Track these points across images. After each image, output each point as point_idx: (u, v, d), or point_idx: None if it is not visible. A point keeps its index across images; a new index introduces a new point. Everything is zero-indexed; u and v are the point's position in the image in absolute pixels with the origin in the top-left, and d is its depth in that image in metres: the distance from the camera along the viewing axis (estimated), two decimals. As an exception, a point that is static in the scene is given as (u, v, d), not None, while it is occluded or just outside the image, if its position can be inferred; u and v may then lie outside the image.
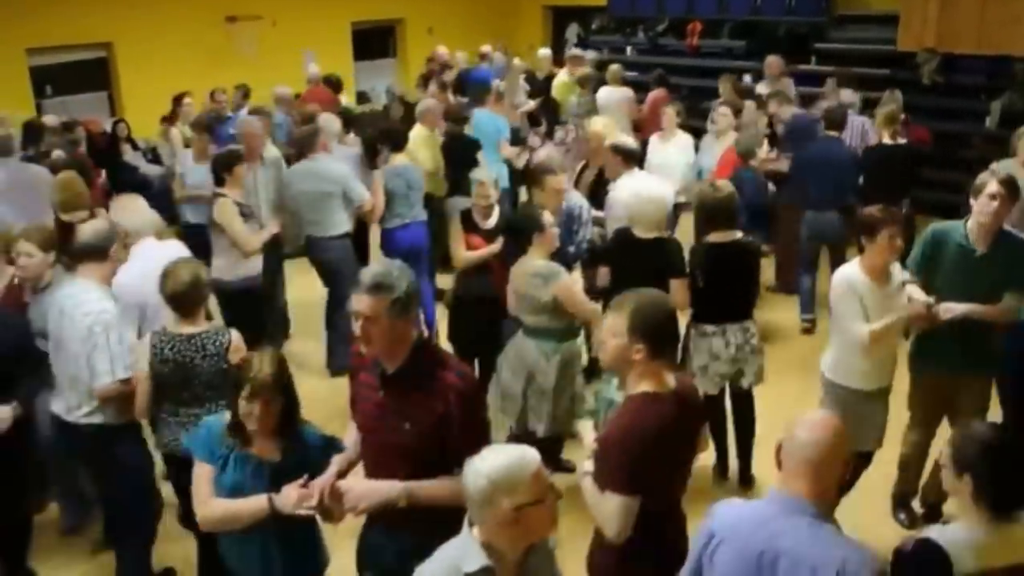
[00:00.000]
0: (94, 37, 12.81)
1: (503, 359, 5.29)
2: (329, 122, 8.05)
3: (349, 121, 9.24)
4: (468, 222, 6.00)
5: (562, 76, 11.74)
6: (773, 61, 10.75)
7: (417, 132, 8.27)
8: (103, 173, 9.50)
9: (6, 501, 4.55)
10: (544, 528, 2.54)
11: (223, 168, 6.36)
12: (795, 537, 2.49)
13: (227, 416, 3.41)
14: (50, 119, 10.03)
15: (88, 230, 4.42)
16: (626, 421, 3.04)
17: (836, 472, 2.56)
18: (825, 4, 12.97)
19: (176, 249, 5.03)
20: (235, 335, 4.22)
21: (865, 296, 4.52)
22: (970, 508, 2.80)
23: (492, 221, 6.00)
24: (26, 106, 11.56)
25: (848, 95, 9.07)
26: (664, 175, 7.23)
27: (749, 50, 13.36)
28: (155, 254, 4.79)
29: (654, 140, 8.51)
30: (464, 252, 5.93)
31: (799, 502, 2.53)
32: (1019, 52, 10.48)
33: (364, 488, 3.12)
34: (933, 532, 2.83)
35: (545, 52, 13.15)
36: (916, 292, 4.65)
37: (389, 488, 3.07)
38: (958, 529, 2.80)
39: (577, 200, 6.09)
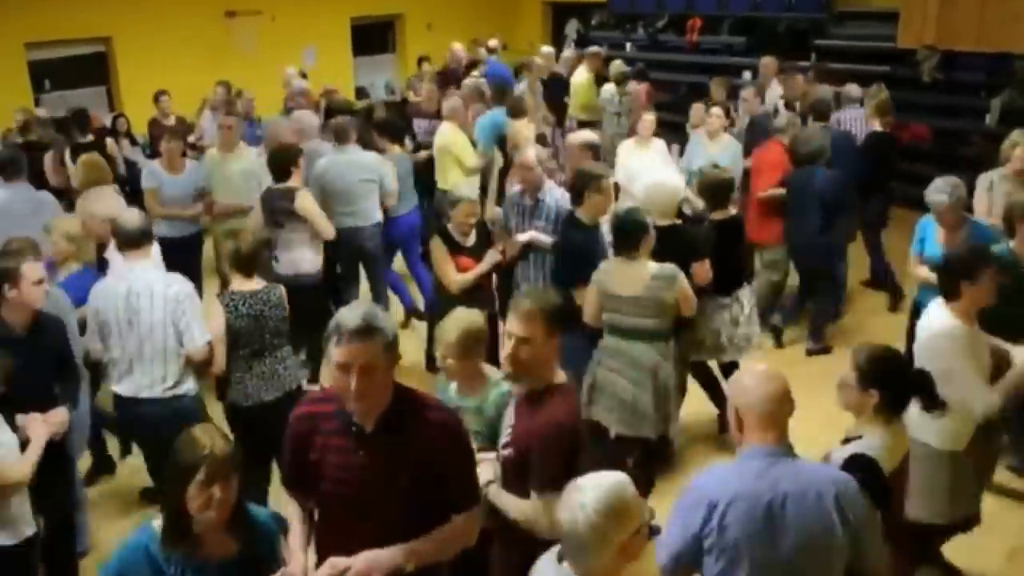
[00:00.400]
0: (93, 31, 12.78)
1: (602, 372, 5.04)
2: (308, 118, 8.08)
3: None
4: (450, 243, 5.74)
5: (582, 73, 11.44)
6: (768, 62, 10.55)
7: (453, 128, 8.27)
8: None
9: (55, 505, 4.38)
10: (640, 552, 2.43)
11: (289, 163, 6.34)
12: (791, 478, 2.72)
13: (155, 526, 2.78)
14: (42, 112, 10.01)
15: (132, 219, 4.73)
16: (558, 418, 3.13)
17: (789, 412, 2.84)
18: (825, 0, 13.00)
19: (146, 270, 4.79)
20: (282, 289, 4.91)
21: (966, 348, 3.97)
22: (874, 419, 3.32)
23: (472, 238, 5.80)
24: (24, 100, 11.53)
25: (854, 89, 9.05)
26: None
27: (749, 46, 13.35)
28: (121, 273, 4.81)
29: (628, 144, 8.23)
30: (457, 275, 5.68)
31: (775, 449, 2.78)
32: (1019, 49, 10.51)
33: (365, 562, 2.70)
34: (850, 448, 3.25)
35: (548, 50, 13.09)
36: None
37: (392, 555, 2.73)
38: (871, 439, 3.27)
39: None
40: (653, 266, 4.90)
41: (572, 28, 17.29)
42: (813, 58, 12.62)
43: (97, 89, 13.25)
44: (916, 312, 5.43)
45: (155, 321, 4.51)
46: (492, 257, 5.74)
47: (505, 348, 3.25)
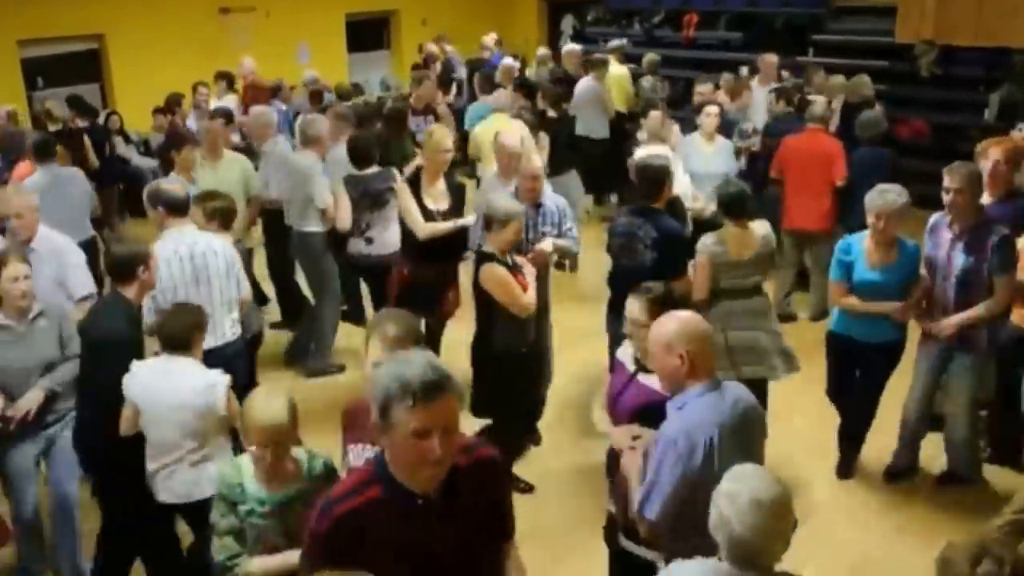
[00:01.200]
0: (86, 29, 12.78)
1: (737, 334, 5.20)
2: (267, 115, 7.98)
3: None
4: (506, 265, 5.06)
5: (618, 67, 11.18)
6: (768, 59, 10.51)
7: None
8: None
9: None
10: None
11: (369, 149, 6.64)
12: (739, 395, 3.20)
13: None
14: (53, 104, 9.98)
15: (177, 189, 5.31)
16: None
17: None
18: (823, -5, 12.94)
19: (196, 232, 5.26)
20: None
21: None
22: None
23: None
24: (17, 98, 11.50)
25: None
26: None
27: (746, 42, 13.28)
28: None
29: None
30: (527, 298, 5.05)
31: (711, 383, 3.13)
32: (1017, 44, 10.47)
33: None
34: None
35: (544, 52, 13.09)
36: None
37: None
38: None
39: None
40: (757, 227, 5.30)
41: (568, 24, 17.30)
42: (811, 53, 12.60)
43: (90, 86, 13.19)
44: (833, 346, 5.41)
45: (221, 274, 5.06)
46: (533, 272, 5.22)
47: None
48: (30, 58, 12.41)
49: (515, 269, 5.07)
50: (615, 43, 11.96)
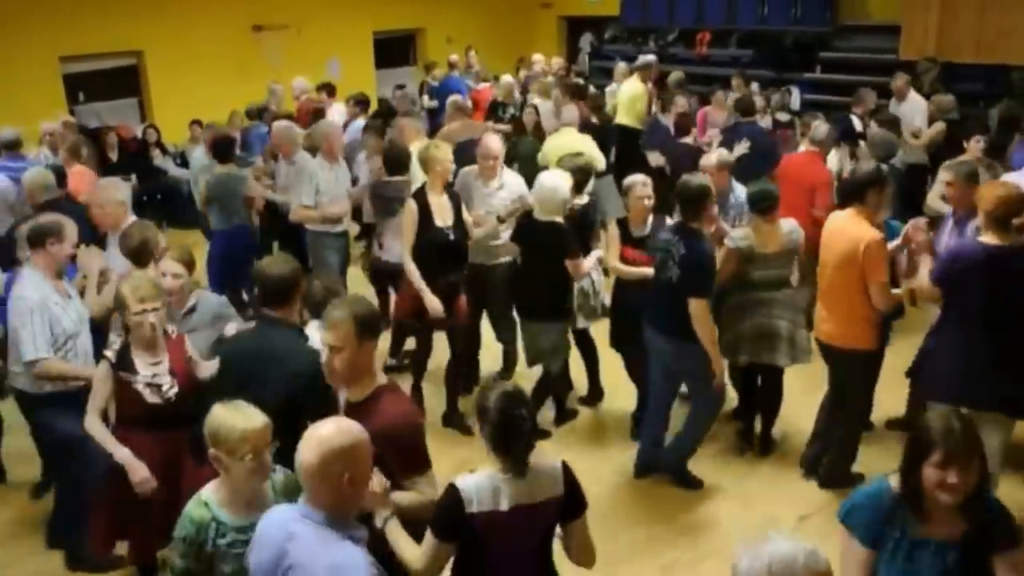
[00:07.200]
0: (125, 45, 13.22)
1: (764, 320, 5.64)
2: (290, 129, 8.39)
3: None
4: (624, 231, 5.95)
5: (636, 84, 11.45)
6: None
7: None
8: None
9: None
10: None
11: (405, 160, 7.01)
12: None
13: (893, 482, 2.92)
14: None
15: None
16: (391, 420, 3.25)
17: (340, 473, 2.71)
18: (829, 14, 13.33)
19: None
20: None
21: None
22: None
23: (648, 227, 5.96)
24: (59, 112, 11.96)
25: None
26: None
27: (756, 59, 13.71)
28: None
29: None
30: (619, 263, 5.90)
31: None
32: (1016, 61, 10.81)
33: None
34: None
35: (557, 61, 13.58)
36: None
37: None
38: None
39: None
40: (784, 223, 5.68)
41: (586, 41, 17.63)
42: (818, 70, 12.99)
43: (129, 100, 13.71)
44: None
45: None
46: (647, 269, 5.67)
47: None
48: (72, 73, 12.85)
49: (634, 240, 5.90)
50: (644, 60, 12.00)
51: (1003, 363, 4.47)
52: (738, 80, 11.46)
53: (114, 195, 5.66)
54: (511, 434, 2.99)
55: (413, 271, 5.97)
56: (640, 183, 5.90)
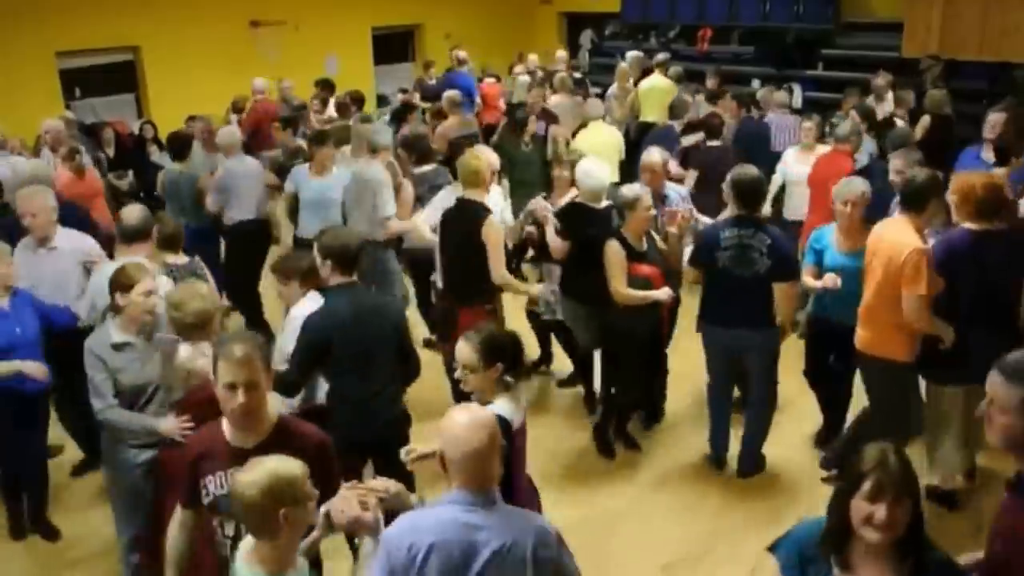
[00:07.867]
0: (122, 41, 13.17)
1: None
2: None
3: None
4: (628, 249, 5.54)
5: (662, 79, 11.45)
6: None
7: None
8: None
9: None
10: None
11: (428, 148, 7.46)
12: (489, 529, 2.70)
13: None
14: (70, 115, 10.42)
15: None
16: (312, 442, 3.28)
17: (492, 459, 2.79)
18: (832, 11, 13.27)
19: None
20: None
21: None
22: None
23: (645, 243, 5.69)
24: (56, 107, 11.90)
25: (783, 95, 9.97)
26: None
27: (758, 56, 13.65)
28: None
29: (794, 151, 8.28)
30: (626, 288, 5.51)
31: (475, 498, 2.73)
32: (1019, 59, 10.80)
33: None
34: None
35: (561, 54, 13.58)
36: None
37: None
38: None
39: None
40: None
41: (586, 37, 17.60)
42: (820, 67, 12.93)
43: (126, 96, 13.65)
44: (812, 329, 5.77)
45: None
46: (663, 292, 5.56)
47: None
48: (68, 69, 12.80)
49: (639, 256, 5.55)
50: (661, 57, 12.09)
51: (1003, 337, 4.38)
52: (714, 79, 11.57)
53: (47, 203, 5.43)
54: None
55: (512, 281, 5.84)
56: (647, 196, 5.56)
